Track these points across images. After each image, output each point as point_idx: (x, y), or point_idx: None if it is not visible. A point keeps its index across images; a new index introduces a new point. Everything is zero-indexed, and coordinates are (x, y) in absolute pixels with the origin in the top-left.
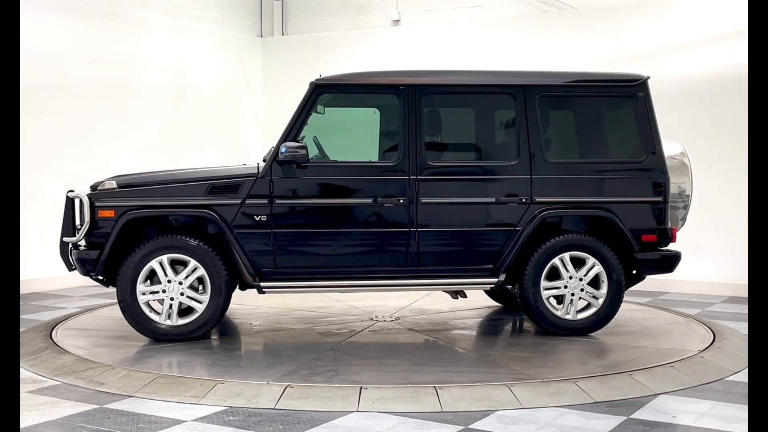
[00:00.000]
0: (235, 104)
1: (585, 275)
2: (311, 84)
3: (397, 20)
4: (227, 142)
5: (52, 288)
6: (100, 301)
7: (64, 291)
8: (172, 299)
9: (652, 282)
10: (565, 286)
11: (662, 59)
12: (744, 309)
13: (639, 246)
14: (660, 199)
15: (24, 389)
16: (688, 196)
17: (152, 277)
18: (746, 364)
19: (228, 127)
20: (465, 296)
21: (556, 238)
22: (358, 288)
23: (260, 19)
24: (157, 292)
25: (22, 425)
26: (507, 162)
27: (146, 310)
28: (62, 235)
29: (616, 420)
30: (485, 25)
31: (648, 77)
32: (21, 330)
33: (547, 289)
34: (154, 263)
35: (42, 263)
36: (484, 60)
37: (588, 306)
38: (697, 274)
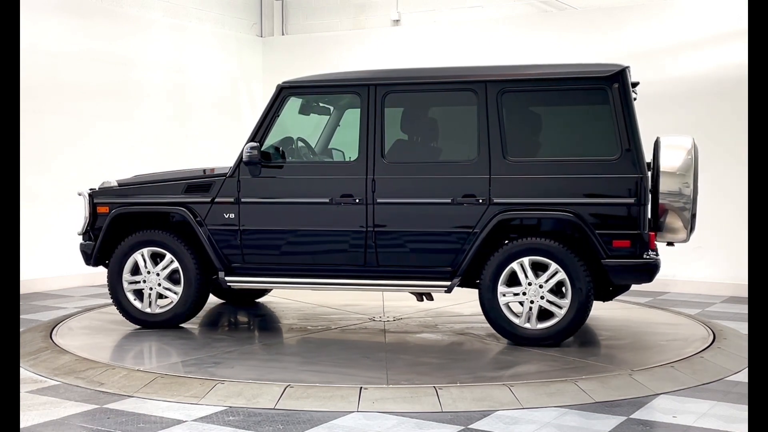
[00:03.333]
0: (235, 104)
1: (546, 282)
2: (278, 87)
3: (397, 20)
4: (227, 142)
5: (52, 288)
6: (100, 301)
7: (64, 291)
8: (150, 289)
9: (653, 282)
10: (524, 293)
11: (662, 59)
12: (744, 309)
13: (609, 252)
14: (632, 200)
15: (24, 389)
16: (689, 197)
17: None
18: (746, 364)
19: (228, 127)
20: (431, 299)
21: (514, 242)
22: (317, 287)
23: (260, 19)
24: (138, 282)
25: (22, 425)
26: (466, 161)
27: (131, 298)
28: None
29: (616, 420)
30: (485, 25)
31: (626, 67)
32: (21, 330)
33: (504, 295)
34: (136, 255)
35: (42, 263)
36: (484, 60)
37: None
38: (697, 274)
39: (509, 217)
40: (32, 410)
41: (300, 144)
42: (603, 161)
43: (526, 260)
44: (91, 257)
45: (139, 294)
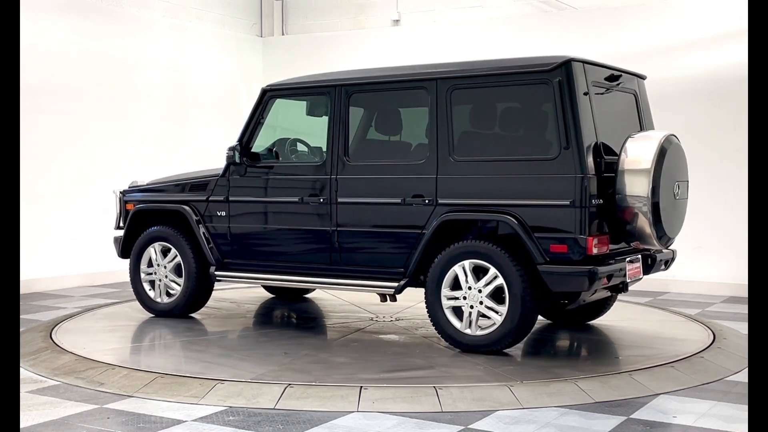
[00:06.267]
0: (235, 104)
1: (485, 286)
2: (262, 90)
3: (397, 20)
4: (227, 142)
5: (52, 288)
6: (100, 301)
7: (64, 291)
8: (159, 280)
9: (652, 282)
10: (464, 297)
11: (662, 59)
12: (744, 309)
13: (546, 257)
14: (567, 202)
15: (24, 389)
16: (648, 197)
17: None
18: (746, 364)
19: (228, 127)
20: (394, 300)
21: (454, 245)
22: (289, 283)
23: (260, 19)
24: (151, 273)
25: (22, 425)
26: (416, 161)
27: (147, 288)
28: None
29: (616, 420)
30: (485, 25)
31: (569, 59)
32: (21, 330)
33: (448, 298)
34: (150, 249)
35: (42, 263)
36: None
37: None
38: (697, 274)
39: (452, 218)
40: (32, 410)
41: (298, 145)
42: (541, 160)
43: (467, 263)
44: (119, 249)
45: (153, 285)
